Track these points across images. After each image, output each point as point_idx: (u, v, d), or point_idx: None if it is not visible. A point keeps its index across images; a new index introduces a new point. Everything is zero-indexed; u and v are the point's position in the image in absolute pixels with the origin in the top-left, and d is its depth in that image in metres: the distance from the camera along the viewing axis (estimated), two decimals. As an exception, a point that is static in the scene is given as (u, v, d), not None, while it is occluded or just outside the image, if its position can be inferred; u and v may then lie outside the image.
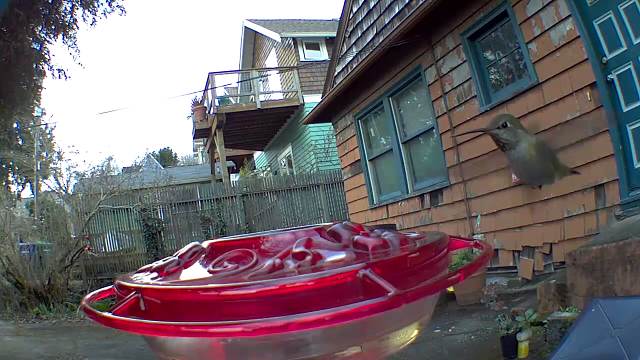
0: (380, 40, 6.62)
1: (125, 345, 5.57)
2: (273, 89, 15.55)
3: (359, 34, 7.42)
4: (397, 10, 6.45)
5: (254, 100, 13.34)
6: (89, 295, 0.50)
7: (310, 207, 11.89)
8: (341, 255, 0.43)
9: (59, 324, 7.78)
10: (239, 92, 17.69)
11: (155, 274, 0.47)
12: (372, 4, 7.01)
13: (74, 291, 9.30)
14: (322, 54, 13.96)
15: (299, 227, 0.51)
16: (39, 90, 8.17)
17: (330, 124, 9.15)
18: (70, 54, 8.31)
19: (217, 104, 13.22)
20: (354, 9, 7.50)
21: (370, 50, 6.81)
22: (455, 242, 0.54)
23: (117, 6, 7.70)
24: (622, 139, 3.95)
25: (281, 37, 14.01)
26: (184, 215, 11.36)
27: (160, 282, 0.45)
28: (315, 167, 13.10)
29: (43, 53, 7.38)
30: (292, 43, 14.06)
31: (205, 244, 0.51)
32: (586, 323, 2.27)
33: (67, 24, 7.32)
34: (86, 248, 10.19)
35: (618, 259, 3.06)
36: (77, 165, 20.12)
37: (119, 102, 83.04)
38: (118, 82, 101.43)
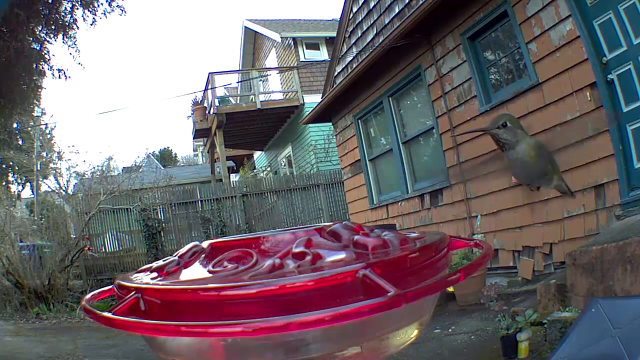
0: (380, 40, 6.62)
1: (125, 345, 5.57)
2: (273, 89, 15.55)
3: (359, 34, 7.42)
4: (397, 10, 6.45)
5: (254, 100, 13.34)
6: (89, 295, 0.50)
7: (310, 207, 11.89)
8: (341, 255, 0.43)
9: (59, 324, 7.78)
10: (239, 92, 17.69)
11: (155, 274, 0.47)
12: (372, 4, 7.01)
13: (74, 291, 9.30)
14: (322, 54, 13.96)
15: (299, 227, 0.51)
16: (39, 90, 8.18)
17: (330, 124, 9.15)
18: (70, 54, 8.32)
19: (217, 104, 13.22)
20: (354, 9, 7.50)
21: (370, 50, 6.81)
22: (455, 242, 0.54)
23: (117, 6, 7.71)
24: (622, 139, 3.95)
25: (281, 37, 14.02)
26: (184, 215, 11.36)
27: (160, 282, 0.45)
28: (315, 167, 13.10)
29: (43, 53, 7.38)
30: (292, 43, 14.06)
31: (205, 244, 0.51)
32: (586, 323, 2.27)
33: (67, 24, 7.32)
34: (86, 248, 10.19)
35: (618, 259, 3.06)
36: (77, 165, 20.14)
37: (119, 102, 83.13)
38: (118, 82, 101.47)
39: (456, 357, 3.83)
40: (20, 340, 6.60)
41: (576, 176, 4.07)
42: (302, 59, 13.89)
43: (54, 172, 13.72)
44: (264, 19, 16.50)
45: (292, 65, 13.94)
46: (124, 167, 15.66)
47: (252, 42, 17.00)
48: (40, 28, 7.09)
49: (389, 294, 0.34)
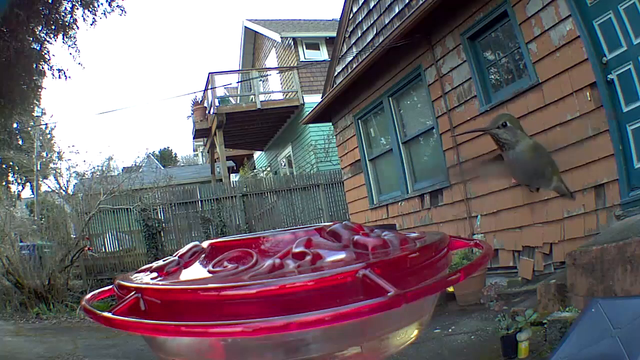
0: (380, 40, 6.62)
1: (125, 345, 5.57)
2: (273, 89, 15.55)
3: (359, 34, 7.42)
4: (397, 10, 6.45)
5: (254, 100, 13.34)
6: (89, 295, 0.50)
7: (310, 207, 11.89)
8: (341, 255, 0.43)
9: (59, 324, 7.78)
10: (239, 92, 17.69)
11: (155, 274, 0.47)
12: (372, 4, 7.01)
13: (74, 291, 9.30)
14: (322, 54, 13.96)
15: (299, 227, 0.51)
16: (39, 90, 8.18)
17: (330, 124, 9.15)
18: (70, 54, 8.33)
19: (217, 104, 13.22)
20: (354, 9, 7.50)
21: (370, 50, 6.81)
22: (455, 242, 0.54)
23: (117, 6, 7.71)
24: (622, 139, 3.95)
25: (281, 37, 14.02)
26: (184, 215, 11.36)
27: (160, 282, 0.45)
28: (315, 167, 13.10)
29: (43, 53, 7.38)
30: (292, 43, 14.06)
31: (205, 244, 0.51)
32: (586, 323, 2.27)
33: (67, 24, 7.32)
34: (86, 248, 10.19)
35: (618, 259, 3.06)
36: (77, 165, 20.13)
37: (119, 102, 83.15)
38: (118, 82, 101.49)
39: (456, 357, 3.83)
40: (20, 340, 6.60)
41: (576, 176, 4.07)
42: (302, 59, 13.89)
43: (54, 172, 13.73)
44: (264, 19, 16.51)
45: (292, 65, 13.94)
46: (124, 167, 15.67)
47: (252, 42, 17.00)
48: (40, 28, 7.09)
49: (389, 294, 0.34)
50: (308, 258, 0.42)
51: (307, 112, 9.88)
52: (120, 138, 73.02)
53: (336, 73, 8.17)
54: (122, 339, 5.74)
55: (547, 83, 4.48)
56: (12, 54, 6.32)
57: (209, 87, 12.97)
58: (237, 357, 0.40)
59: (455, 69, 5.67)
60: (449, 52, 5.74)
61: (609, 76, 3.98)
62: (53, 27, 7.18)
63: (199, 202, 11.47)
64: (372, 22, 7.07)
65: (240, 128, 13.89)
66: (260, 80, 15.20)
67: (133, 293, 0.41)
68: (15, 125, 13.13)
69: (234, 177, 16.55)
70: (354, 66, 7.27)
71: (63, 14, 7.29)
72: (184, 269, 0.48)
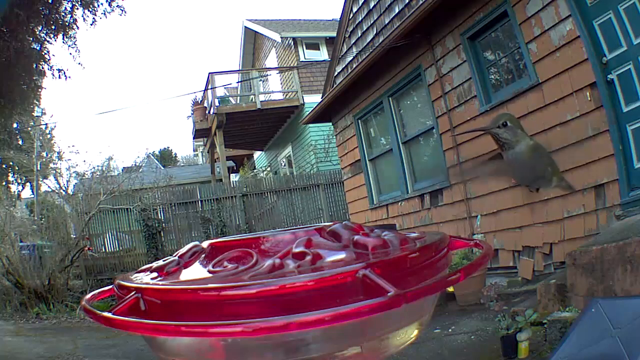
0: (380, 40, 6.62)
1: (125, 345, 5.57)
2: (273, 89, 15.55)
3: (359, 34, 7.42)
4: (397, 10, 6.45)
5: (254, 100, 13.34)
6: (89, 295, 0.50)
7: (310, 207, 11.89)
8: (341, 255, 0.43)
9: (59, 324, 7.78)
10: (239, 92, 17.69)
11: (155, 274, 0.47)
12: (372, 4, 7.01)
13: (74, 291, 9.30)
14: (322, 54, 13.96)
15: (299, 227, 0.51)
16: (39, 90, 8.18)
17: (330, 124, 9.15)
18: (70, 54, 8.32)
19: (217, 104, 13.22)
20: (354, 9, 7.50)
21: (370, 50, 6.81)
22: (455, 242, 0.54)
23: (117, 6, 7.71)
24: (622, 139, 3.95)
25: (281, 37, 14.02)
26: (184, 215, 11.36)
27: (160, 282, 0.45)
28: (315, 167, 13.10)
29: (43, 53, 7.38)
30: (292, 43, 14.06)
31: (205, 244, 0.51)
32: (586, 323, 2.27)
33: (67, 24, 7.32)
34: (86, 248, 10.19)
35: (618, 259, 3.06)
36: (77, 165, 20.10)
37: (119, 102, 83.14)
38: (118, 82, 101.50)
39: (456, 357, 3.83)
40: (20, 340, 6.60)
41: (576, 176, 4.07)
42: (302, 59, 13.89)
43: (54, 172, 13.73)
44: (264, 19, 16.51)
45: (292, 65, 13.94)
46: (124, 167, 15.67)
47: (252, 42, 17.00)
48: (40, 28, 7.09)
49: (389, 294, 0.34)
50: (308, 258, 0.42)
51: (307, 112, 9.88)
52: (120, 138, 73.07)
53: (336, 73, 8.18)
54: (122, 339, 5.74)
55: (547, 83, 4.48)
56: (12, 54, 6.32)
57: (209, 87, 12.97)
58: (237, 357, 0.40)
59: (455, 69, 5.67)
60: (449, 52, 5.74)
61: (609, 76, 3.98)
62: (53, 27, 7.18)
63: (199, 202, 11.47)
64: (372, 22, 7.07)
65: (240, 128, 13.89)
66: (260, 80, 15.20)
67: (133, 293, 0.41)
68: (15, 125, 13.14)
69: (234, 177, 16.55)
70: (354, 66, 7.27)
71: (63, 14, 7.29)
72: (184, 269, 0.48)
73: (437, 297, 0.46)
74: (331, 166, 12.40)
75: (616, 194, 4.00)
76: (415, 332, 0.45)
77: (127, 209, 11.08)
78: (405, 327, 0.43)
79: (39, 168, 14.85)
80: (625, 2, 3.80)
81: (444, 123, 5.93)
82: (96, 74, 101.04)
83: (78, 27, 7.50)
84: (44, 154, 16.28)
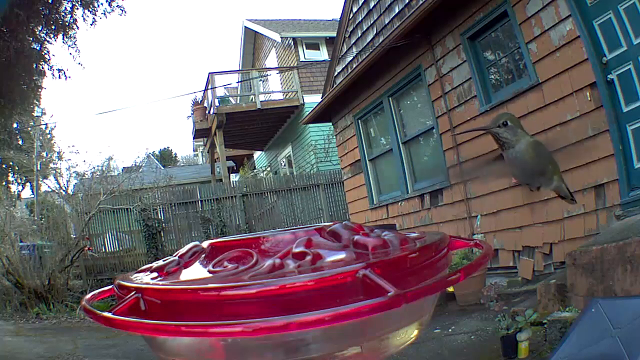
0: (380, 40, 6.62)
1: (125, 345, 5.57)
2: (273, 89, 15.55)
3: (359, 34, 7.42)
4: (397, 10, 6.45)
5: (254, 100, 13.34)
6: (89, 295, 0.50)
7: (310, 207, 11.89)
8: (341, 255, 0.43)
9: (59, 324, 7.77)
10: (239, 92, 17.69)
11: (155, 274, 0.47)
12: (372, 4, 7.01)
13: (74, 291, 9.30)
14: (322, 54, 13.96)
15: (299, 227, 0.51)
16: (39, 90, 8.18)
17: (330, 124, 9.15)
18: (70, 54, 8.32)
19: (217, 104, 13.22)
20: (354, 9, 7.50)
21: (370, 50, 6.81)
22: (455, 242, 0.54)
23: (117, 6, 7.71)
24: (622, 139, 3.95)
25: (281, 37, 14.02)
26: (184, 215, 11.36)
27: (160, 282, 0.45)
28: (315, 167, 13.10)
29: (43, 53, 7.38)
30: (292, 43, 14.06)
31: (205, 244, 0.51)
32: (586, 323, 2.27)
33: (67, 24, 7.32)
34: (86, 248, 10.19)
35: (618, 259, 3.06)
36: (77, 165, 20.12)
37: (119, 102, 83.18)
38: (118, 82, 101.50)
39: (456, 357, 3.83)
40: (20, 340, 6.60)
41: (576, 176, 4.07)
42: (302, 59, 13.89)
43: (54, 172, 13.73)
44: (264, 19, 16.51)
45: (292, 65, 13.94)
46: (124, 167, 15.68)
47: (252, 42, 17.00)
48: (40, 28, 7.09)
49: (389, 294, 0.34)
50: (308, 258, 0.42)
51: (307, 112, 9.88)
52: (120, 138, 73.08)
53: (336, 73, 8.17)
54: (122, 339, 5.74)
55: (547, 83, 4.48)
56: (12, 54, 6.32)
57: (209, 87, 12.97)
58: (237, 357, 0.40)
59: (455, 69, 5.67)
60: (449, 52, 5.74)
61: (609, 76, 3.98)
62: (53, 27, 7.18)
63: (199, 202, 11.47)
64: (372, 22, 7.07)
65: (240, 128, 13.89)
66: (260, 80, 15.20)
67: (133, 293, 0.41)
68: (15, 125, 13.14)
69: (234, 177, 16.55)
70: (354, 66, 7.27)
71: (63, 14, 7.29)
72: (184, 269, 0.48)
73: (437, 297, 0.46)
74: (331, 166, 12.40)
75: (616, 194, 4.00)
76: (415, 332, 0.45)
77: (127, 209, 11.08)
78: (405, 327, 0.43)
79: (39, 168, 14.85)
80: (625, 2, 3.80)
81: (444, 123, 5.93)
82: (96, 74, 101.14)
83: (78, 27, 7.52)
84: (44, 154, 16.29)
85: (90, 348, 5.98)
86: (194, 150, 32.48)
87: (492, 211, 5.39)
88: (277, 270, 0.41)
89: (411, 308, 0.37)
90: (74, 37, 7.55)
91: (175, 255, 0.50)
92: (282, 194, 11.84)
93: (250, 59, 17.43)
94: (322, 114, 8.76)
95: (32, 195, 17.63)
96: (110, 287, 0.50)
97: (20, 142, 17.56)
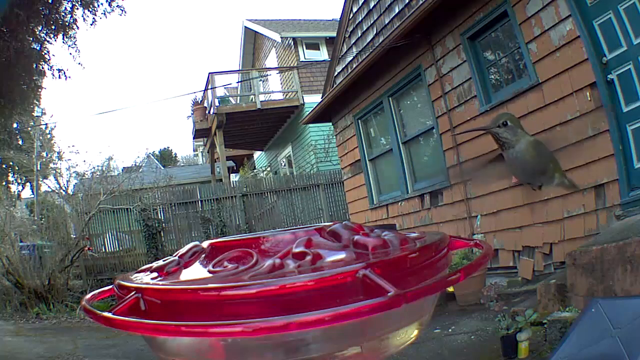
0: (380, 40, 6.62)
1: (125, 345, 5.57)
2: (273, 89, 15.55)
3: (359, 34, 7.42)
4: (397, 10, 6.45)
5: (254, 100, 13.34)
6: (89, 295, 0.50)
7: (310, 207, 11.89)
8: (341, 255, 0.43)
9: (59, 324, 7.77)
10: (239, 92, 17.69)
11: (155, 274, 0.47)
12: (372, 4, 7.01)
13: (74, 291, 9.30)
14: (322, 54, 13.96)
15: (299, 227, 0.51)
16: (39, 90, 8.18)
17: (330, 124, 9.15)
18: (70, 54, 8.33)
19: (217, 104, 13.22)
20: (354, 9, 7.50)
21: (370, 50, 6.81)
22: (455, 242, 0.54)
23: (117, 6, 7.71)
24: (622, 139, 3.95)
25: (281, 37, 14.01)
26: (184, 215, 11.36)
27: (160, 282, 0.45)
28: (315, 167, 13.10)
29: (43, 53, 7.38)
30: (292, 43, 14.06)
31: (205, 244, 0.51)
32: (586, 323, 2.27)
33: (67, 24, 7.32)
34: (86, 248, 10.19)
35: (618, 259, 3.06)
36: (77, 165, 20.13)
37: (119, 102, 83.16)
38: (118, 82, 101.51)
39: (456, 357, 3.83)
40: (20, 340, 6.60)
41: (576, 176, 4.06)
42: (302, 59, 13.89)
43: (54, 172, 13.73)
44: (264, 19, 16.51)
45: (292, 65, 13.94)
46: (124, 167, 15.68)
47: (252, 42, 17.00)
48: (40, 28, 7.09)
49: (389, 294, 0.34)
50: (308, 258, 0.42)
51: (307, 112, 9.88)
52: (120, 138, 73.09)
53: (336, 73, 8.17)
54: (122, 339, 5.74)
55: (547, 83, 4.48)
56: (12, 54, 6.32)
57: (209, 87, 12.97)
58: (237, 357, 0.40)
59: (455, 69, 5.67)
60: (449, 52, 5.74)
61: (609, 76, 3.98)
62: (53, 27, 7.18)
63: (199, 202, 11.47)
64: (372, 22, 7.07)
65: (240, 128, 13.89)
66: (260, 80, 15.20)
67: (133, 293, 0.41)
68: (15, 125, 13.14)
69: (234, 177, 16.55)
70: (354, 66, 7.27)
71: (63, 14, 7.29)
72: (184, 269, 0.48)
73: (437, 297, 0.46)
74: (331, 166, 12.40)
75: (616, 194, 4.00)
76: (415, 332, 0.45)
77: (127, 209, 11.08)
78: (405, 327, 0.43)
79: (39, 168, 14.85)
80: (625, 2, 3.80)
81: (444, 123, 5.93)
82: (96, 74, 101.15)
83: (78, 27, 7.51)
84: (44, 154, 16.29)
85: (90, 348, 5.98)
86: (194, 150, 32.49)
87: (492, 211, 5.39)
88: (277, 270, 0.41)
89: (411, 308, 0.37)
90: (74, 37, 7.56)
91: (175, 255, 0.50)
92: (282, 194, 11.84)
93: (250, 59, 17.43)
94: (322, 114, 8.76)
95: (32, 195, 17.63)
96: (110, 287, 0.50)
97: (20, 142, 17.56)
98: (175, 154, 37.35)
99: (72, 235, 10.44)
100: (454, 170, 5.79)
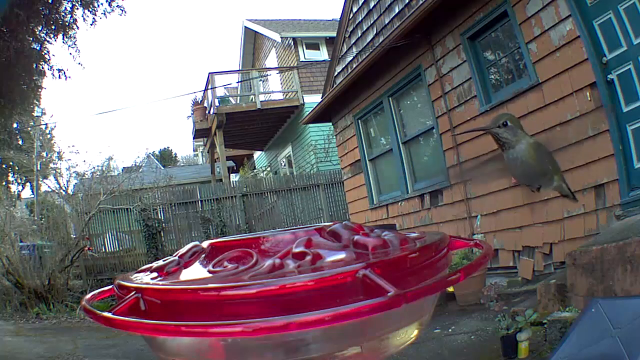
0: (380, 40, 6.62)
1: (125, 345, 5.57)
2: (273, 89, 15.55)
3: (359, 34, 7.42)
4: (397, 10, 6.45)
5: (254, 100, 13.34)
6: (89, 295, 0.50)
7: (310, 207, 11.89)
8: (341, 255, 0.43)
9: (59, 324, 7.77)
10: (239, 92, 17.69)
11: (155, 274, 0.47)
12: (372, 4, 7.01)
13: (74, 291, 9.30)
14: (322, 54, 13.96)
15: (299, 227, 0.51)
16: (39, 90, 8.18)
17: (330, 124, 9.15)
18: (70, 54, 8.33)
19: (217, 104, 13.22)
20: (354, 9, 7.50)
21: (370, 50, 6.81)
22: (455, 242, 0.54)
23: (117, 6, 7.72)
24: (622, 139, 3.95)
25: (281, 37, 14.01)
26: (184, 215, 11.36)
27: (160, 282, 0.45)
28: (315, 167, 13.10)
29: (43, 53, 7.38)
30: (292, 43, 14.06)
31: (205, 244, 0.51)
32: (586, 323, 2.27)
33: (67, 24, 7.32)
34: (86, 248, 10.19)
35: (618, 259, 3.06)
36: (77, 165, 20.07)
37: (119, 102, 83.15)
38: (118, 82, 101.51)
39: (456, 357, 3.83)
40: (20, 340, 6.60)
41: (576, 176, 4.07)
42: (302, 59, 13.89)
43: (54, 172, 13.73)
44: (264, 19, 16.51)
45: (292, 65, 13.94)
46: (124, 167, 15.69)
47: (252, 42, 17.00)
48: (40, 28, 7.09)
49: (389, 294, 0.34)
50: (308, 258, 0.42)
51: (307, 112, 9.88)
52: (120, 138, 73.10)
53: (336, 73, 8.17)
54: (122, 339, 5.74)
55: (547, 83, 4.48)
56: (12, 54, 6.32)
57: (209, 87, 12.97)
58: (237, 357, 0.40)
59: (455, 69, 5.67)
60: (449, 52, 5.74)
61: (609, 76, 3.98)
62: (53, 27, 7.18)
63: (199, 202, 11.47)
64: (372, 22, 7.07)
65: (240, 128, 13.89)
66: (260, 80, 15.20)
67: (133, 293, 0.41)
68: (15, 125, 13.14)
69: (234, 177, 16.55)
70: (354, 66, 7.27)
71: (63, 14, 7.29)
72: (184, 269, 0.48)
73: (437, 297, 0.46)
74: (331, 166, 12.40)
75: (616, 194, 4.00)
76: (415, 332, 0.45)
77: (127, 209, 11.08)
78: (405, 327, 0.43)
79: (39, 168, 14.85)
80: (625, 2, 3.80)
81: (444, 123, 5.93)
82: (96, 74, 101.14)
83: (78, 27, 7.52)
84: (44, 154, 16.29)
85: (90, 348, 5.98)
86: (194, 150, 32.49)
87: (492, 211, 5.39)
88: (277, 270, 0.41)
89: (411, 308, 0.37)
90: (74, 37, 7.56)
91: (175, 255, 0.50)
92: (282, 194, 11.84)
93: (250, 59, 17.43)
94: (322, 114, 8.76)
95: (32, 195, 17.63)
96: (110, 287, 0.50)
97: (20, 142, 17.56)
98: (175, 154, 37.38)
99: (72, 235, 10.44)
100: (454, 170, 5.79)
